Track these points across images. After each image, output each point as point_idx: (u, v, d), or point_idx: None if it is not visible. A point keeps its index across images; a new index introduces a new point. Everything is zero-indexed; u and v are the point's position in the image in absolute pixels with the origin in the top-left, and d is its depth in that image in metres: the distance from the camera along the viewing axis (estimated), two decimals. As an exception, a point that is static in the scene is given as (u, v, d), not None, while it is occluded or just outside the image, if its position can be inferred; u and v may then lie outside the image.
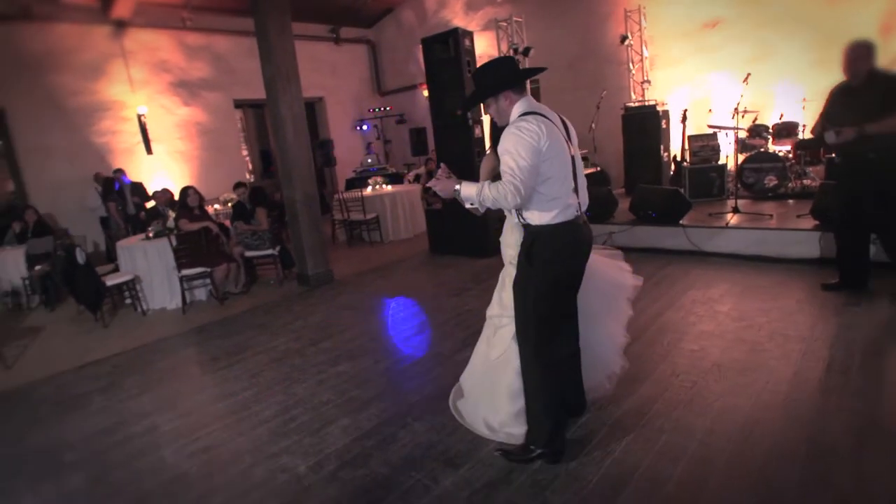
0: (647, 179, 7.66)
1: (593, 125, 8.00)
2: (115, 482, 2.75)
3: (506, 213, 2.62)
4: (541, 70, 2.69)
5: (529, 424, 2.51)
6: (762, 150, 7.05)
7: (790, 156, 7.11)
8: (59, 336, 5.39)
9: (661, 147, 7.94)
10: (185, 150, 9.43)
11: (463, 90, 6.47)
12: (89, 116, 8.29)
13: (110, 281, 5.60)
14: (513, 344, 2.53)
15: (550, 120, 2.27)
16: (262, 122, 11.18)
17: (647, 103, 8.28)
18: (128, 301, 5.97)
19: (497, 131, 2.43)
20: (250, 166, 11.30)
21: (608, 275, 2.76)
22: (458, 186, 2.30)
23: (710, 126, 7.29)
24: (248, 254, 6.32)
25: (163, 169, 9.08)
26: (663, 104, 8.42)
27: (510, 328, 2.54)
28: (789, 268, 4.91)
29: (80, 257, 5.28)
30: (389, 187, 9.04)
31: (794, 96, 7.70)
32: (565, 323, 2.49)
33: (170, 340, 4.94)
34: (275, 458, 2.78)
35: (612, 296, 2.76)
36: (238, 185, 6.73)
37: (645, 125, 7.91)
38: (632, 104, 8.23)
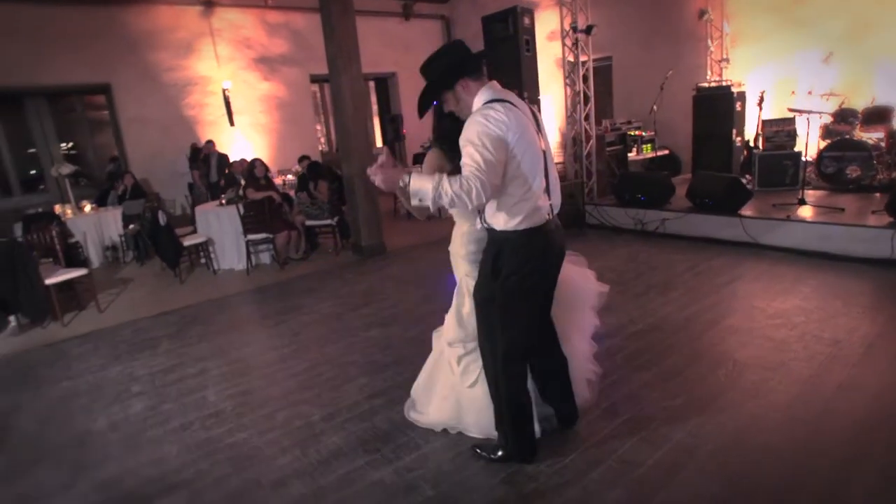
0: (715, 165, 7.28)
1: (655, 107, 7.68)
2: (166, 412, 3.22)
3: (456, 218, 2.41)
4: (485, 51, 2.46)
5: (499, 431, 2.41)
6: (846, 136, 6.48)
7: (882, 144, 6.48)
8: (144, 287, 6.14)
9: (734, 131, 7.48)
10: (264, 122, 10.10)
11: (520, 69, 6.47)
12: (181, 90, 9.11)
13: (187, 241, 6.27)
14: (482, 372, 2.42)
15: (519, 109, 2.03)
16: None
17: (722, 83, 7.80)
18: (202, 261, 6.64)
19: (443, 121, 2.25)
20: (323, 139, 11.87)
21: (572, 283, 2.55)
22: (406, 178, 1.92)
23: (791, 109, 6.79)
24: (309, 223, 6.78)
25: (244, 140, 9.81)
26: (740, 85, 7.88)
27: (476, 356, 2.43)
28: (852, 267, 4.59)
29: (162, 219, 5.95)
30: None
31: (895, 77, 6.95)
32: (535, 339, 2.33)
33: (232, 297, 5.49)
34: (296, 406, 3.13)
35: (576, 306, 2.58)
36: (302, 158, 7.18)
37: (717, 107, 7.46)
38: (705, 84, 7.78)
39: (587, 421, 2.67)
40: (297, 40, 10.21)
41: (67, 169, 7.69)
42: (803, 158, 6.62)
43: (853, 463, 2.23)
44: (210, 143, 8.78)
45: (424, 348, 3.78)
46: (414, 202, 1.93)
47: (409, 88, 12.40)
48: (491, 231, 2.14)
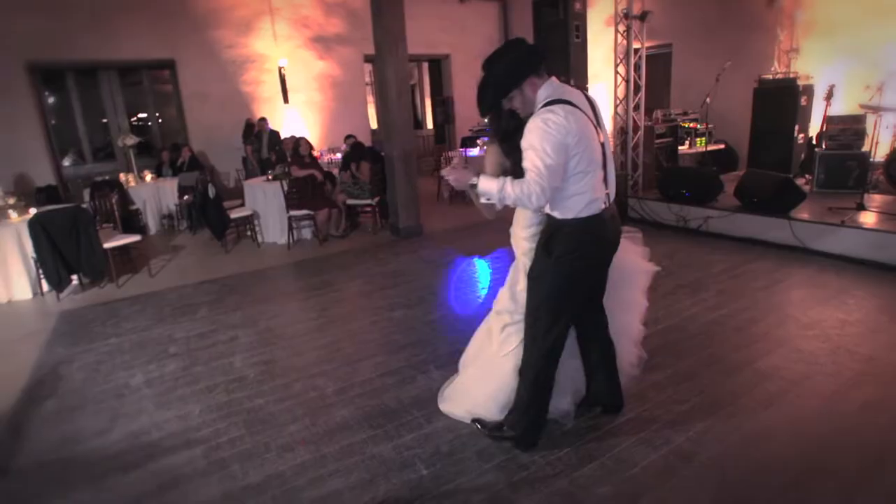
0: (774, 162, 6.90)
1: (708, 99, 7.31)
2: (196, 374, 3.46)
3: None
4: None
5: (514, 407, 2.46)
6: (922, 137, 5.98)
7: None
8: (193, 256, 6.52)
9: (797, 127, 7.05)
10: (318, 101, 10.35)
11: (568, 56, 6.33)
12: (239, 67, 9.45)
13: (234, 214, 6.58)
14: (520, 345, 2.45)
15: (578, 107, 2.07)
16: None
17: (788, 75, 7.33)
18: (248, 233, 6.96)
19: (501, 120, 2.24)
20: (374, 118, 12.02)
21: (623, 259, 2.48)
22: (475, 180, 2.11)
23: (862, 106, 6.33)
24: (350, 202, 6.96)
25: (298, 117, 10.10)
26: (809, 77, 7.38)
27: (520, 327, 2.44)
28: (906, 280, 4.29)
29: (211, 192, 6.27)
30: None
31: None
32: (578, 321, 2.43)
33: (271, 270, 5.75)
34: (313, 378, 3.28)
35: (623, 284, 2.54)
36: (348, 137, 7.35)
37: (780, 101, 7.04)
38: (768, 76, 7.34)
39: (588, 416, 2.67)
40: (353, 20, 10.34)
41: (132, 140, 8.20)
42: (871, 160, 6.18)
43: (862, 487, 2.14)
44: (263, 120, 9.10)
45: (444, 330, 3.90)
46: (482, 201, 2.15)
47: (463, 71, 12.34)
48: (550, 218, 2.22)
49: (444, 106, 12.32)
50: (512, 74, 2.10)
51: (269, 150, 8.83)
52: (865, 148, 6.30)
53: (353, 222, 7.27)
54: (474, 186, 2.11)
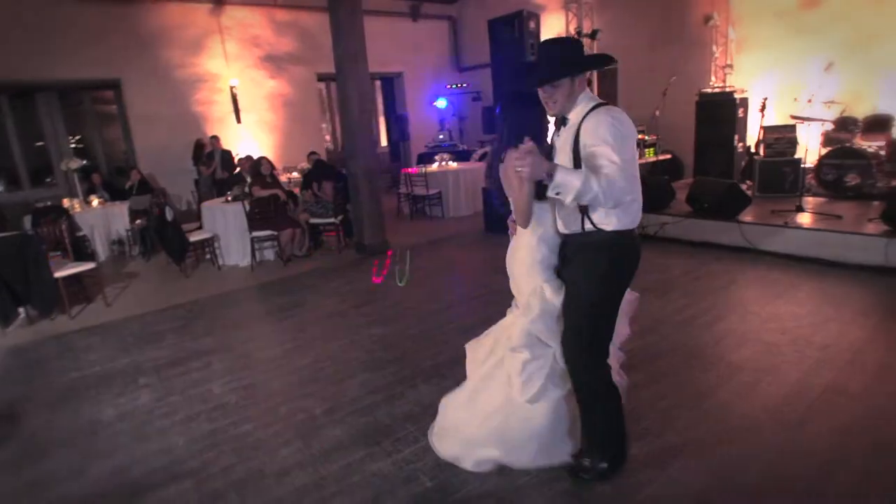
0: (717, 170, 7.36)
1: (657, 112, 7.74)
2: (173, 404, 3.31)
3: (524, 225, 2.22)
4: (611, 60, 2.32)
5: (597, 441, 2.28)
6: (847, 145, 6.54)
7: (882, 153, 6.54)
8: (150, 282, 6.25)
9: (736, 137, 7.55)
10: (270, 120, 10.20)
11: (523, 72, 6.54)
12: (189, 87, 9.21)
13: (194, 237, 6.38)
14: (546, 383, 2.27)
15: None
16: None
17: (725, 89, 7.87)
18: (207, 256, 6.74)
19: (511, 114, 2.20)
20: (328, 137, 11.96)
21: None
22: (553, 169, 1.85)
23: (793, 117, 6.86)
24: (313, 221, 6.88)
25: (250, 137, 9.91)
26: (743, 91, 7.94)
27: (542, 363, 2.26)
28: (847, 274, 4.66)
29: (169, 215, 6.06)
30: (455, 164, 9.29)
31: (896, 86, 7.00)
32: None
33: (237, 293, 5.59)
34: (299, 400, 3.22)
35: None
36: (311, 154, 7.29)
37: (719, 113, 7.54)
38: (708, 90, 7.85)
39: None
40: (305, 39, 10.31)
41: (76, 164, 7.82)
42: (803, 165, 6.69)
43: (836, 464, 2.31)
44: (215, 138, 8.88)
45: (426, 346, 3.91)
46: (551, 193, 1.89)
47: (416, 88, 12.50)
48: (598, 233, 2.04)
49: (399, 123, 12.40)
50: (578, 61, 2.09)
51: (222, 170, 8.62)
52: (798, 155, 6.83)
53: (317, 241, 7.18)
54: (550, 177, 1.84)
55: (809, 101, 5.87)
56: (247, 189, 6.51)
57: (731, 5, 8.29)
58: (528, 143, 1.85)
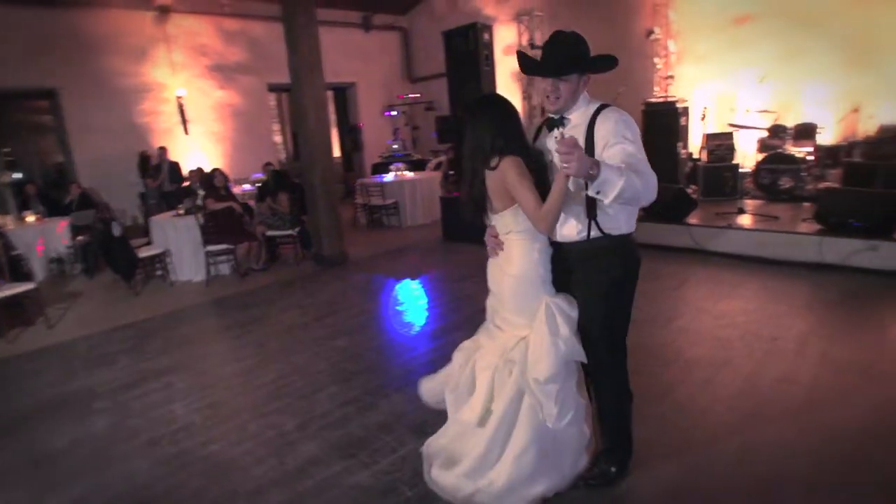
0: (663, 177, 7.66)
1: (609, 121, 8.04)
2: (133, 428, 3.16)
3: (517, 239, 2.09)
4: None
5: (613, 444, 2.29)
6: (780, 151, 7.00)
7: (810, 157, 7.04)
8: (96, 301, 5.94)
9: (679, 144, 7.94)
10: (220, 131, 9.93)
11: (479, 83, 6.68)
12: (133, 97, 8.85)
13: (143, 253, 6.11)
14: (579, 404, 2.13)
15: None
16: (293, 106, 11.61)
17: (668, 99, 8.27)
18: (158, 272, 6.47)
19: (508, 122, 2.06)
20: (283, 148, 11.76)
21: None
22: (597, 166, 1.72)
23: (731, 125, 7.29)
24: (270, 233, 6.73)
25: (198, 149, 9.60)
26: (685, 101, 8.38)
27: (569, 386, 2.08)
28: (786, 270, 4.98)
29: (116, 230, 5.79)
30: (411, 174, 9.32)
31: (821, 97, 7.58)
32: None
33: (192, 310, 5.39)
34: (267, 416, 3.14)
35: None
36: (266, 165, 7.15)
37: (664, 122, 7.90)
38: (653, 100, 8.22)
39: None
40: (255, 49, 10.12)
41: (7, 177, 7.35)
42: (741, 170, 7.13)
43: (790, 450, 2.47)
44: (163, 149, 8.56)
45: (393, 354, 3.90)
46: (591, 192, 1.80)
47: (369, 99, 12.48)
48: (605, 239, 2.01)
49: (352, 134, 12.32)
50: (588, 58, 2.01)
51: (171, 183, 8.32)
52: (736, 160, 7.26)
53: (273, 254, 7.02)
54: (593, 176, 1.72)
55: (747, 110, 6.26)
56: (199, 202, 6.30)
57: (670, 20, 8.74)
58: (570, 137, 1.73)
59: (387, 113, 12.92)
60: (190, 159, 9.23)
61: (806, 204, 6.44)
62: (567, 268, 2.11)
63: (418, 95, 12.79)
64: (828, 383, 3.00)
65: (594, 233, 2.01)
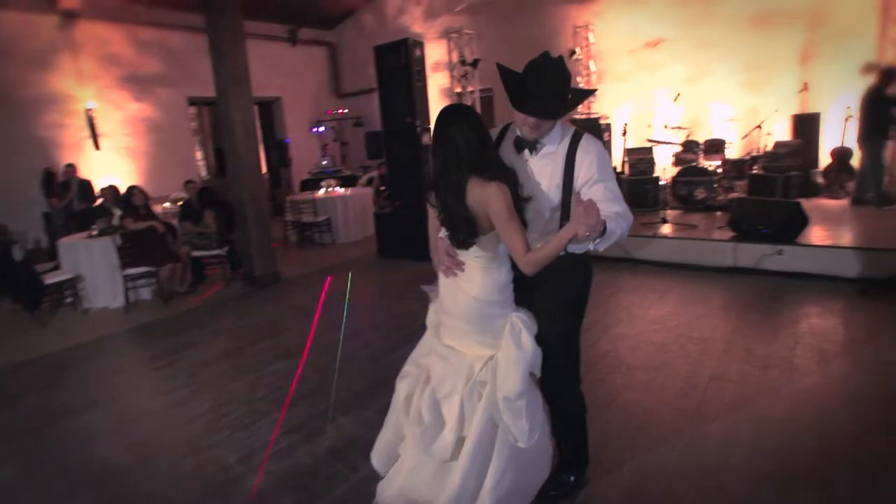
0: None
1: (538, 136, 8.34)
2: (45, 475, 2.83)
3: (478, 264, 1.98)
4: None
5: (573, 454, 2.33)
6: (694, 164, 7.54)
7: (720, 170, 7.64)
8: (-6, 334, 5.32)
9: (604, 158, 8.34)
10: (135, 146, 9.29)
11: (412, 98, 6.70)
12: (33, 109, 8.07)
13: (50, 279, 5.56)
14: (541, 410, 2.08)
15: None
16: (215, 119, 11.11)
17: (591, 116, 8.70)
18: (68, 300, 5.90)
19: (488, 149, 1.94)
20: (205, 164, 11.20)
21: None
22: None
23: (649, 140, 7.75)
24: (195, 254, 6.35)
25: (112, 165, 8.92)
26: (607, 118, 8.86)
27: (533, 395, 2.03)
28: (706, 275, 5.33)
29: (18, 254, 5.23)
30: (342, 190, 9.16)
31: (725, 115, 8.27)
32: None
33: (110, 339, 4.95)
34: (206, 451, 2.92)
35: None
36: (188, 182, 6.76)
37: (589, 137, 8.29)
38: (577, 117, 8.62)
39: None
40: (173, 60, 9.60)
41: None
42: (661, 183, 7.59)
43: (730, 444, 2.61)
44: (70, 167, 7.88)
45: (338, 377, 3.76)
46: (592, 246, 1.79)
47: (296, 114, 12.20)
48: (568, 256, 1.94)
49: (279, 149, 11.96)
50: (576, 94, 2.03)
51: (80, 202, 7.66)
52: (656, 173, 7.73)
53: (199, 276, 6.62)
54: (604, 231, 1.71)
55: (666, 126, 6.71)
56: (116, 222, 5.84)
57: (590, 42, 9.24)
58: (591, 201, 1.67)
59: (314, 129, 12.68)
60: (102, 176, 8.55)
61: (718, 213, 6.95)
62: (529, 284, 2.05)
63: (347, 111, 12.66)
64: (755, 379, 3.22)
65: (569, 251, 1.96)
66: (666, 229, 6.25)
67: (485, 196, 1.84)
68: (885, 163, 6.93)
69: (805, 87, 7.17)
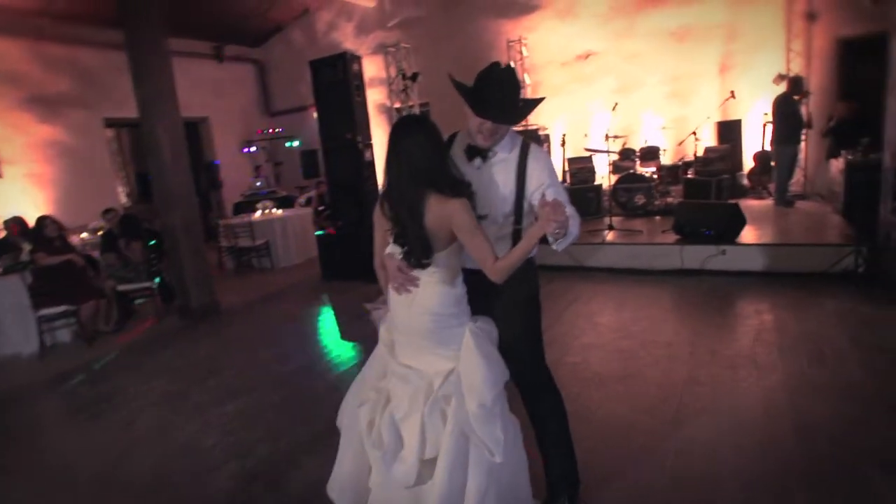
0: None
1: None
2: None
3: (435, 277, 1.90)
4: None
5: (564, 467, 2.26)
6: (631, 171, 7.77)
7: (655, 176, 7.93)
8: None
9: (545, 169, 8.45)
10: (44, 173, 8.44)
11: (352, 113, 6.49)
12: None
13: (-55, 327, 4.84)
14: (511, 416, 2.01)
15: None
16: (140, 142, 10.36)
17: (530, 127, 8.81)
18: (-32, 349, 5.17)
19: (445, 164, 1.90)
20: (125, 190, 10.39)
21: None
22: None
23: (587, 150, 7.92)
24: (122, 287, 5.77)
25: (18, 195, 8.04)
26: (545, 128, 9.01)
27: (503, 406, 1.95)
28: (656, 279, 5.44)
29: None
30: (280, 211, 8.74)
31: (656, 124, 8.62)
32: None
33: (22, 392, 4.34)
34: (151, 514, 2.55)
35: None
36: (107, 211, 6.18)
37: (529, 149, 8.38)
38: (516, 128, 8.67)
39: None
40: (87, 79, 8.85)
41: None
42: (603, 190, 7.76)
43: (715, 447, 2.58)
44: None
45: (296, 412, 3.46)
46: (555, 246, 1.83)
47: (225, 134, 11.62)
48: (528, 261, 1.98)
49: (208, 171, 11.31)
50: (531, 99, 2.10)
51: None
52: (597, 181, 7.90)
53: (127, 312, 6.02)
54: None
55: (607, 136, 6.87)
56: (26, 257, 5.20)
57: (524, 56, 9.40)
58: (557, 200, 1.70)
59: (245, 149, 12.13)
60: (7, 207, 7.66)
61: (657, 217, 7.19)
62: (482, 291, 2.01)
63: (279, 130, 12.20)
64: (725, 380, 3.24)
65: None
66: (614, 236, 6.36)
67: (447, 212, 1.79)
68: (796, 166, 7.47)
69: (732, 95, 7.59)
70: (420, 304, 1.90)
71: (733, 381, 3.21)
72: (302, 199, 10.25)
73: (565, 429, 2.26)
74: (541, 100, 2.08)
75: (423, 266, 1.87)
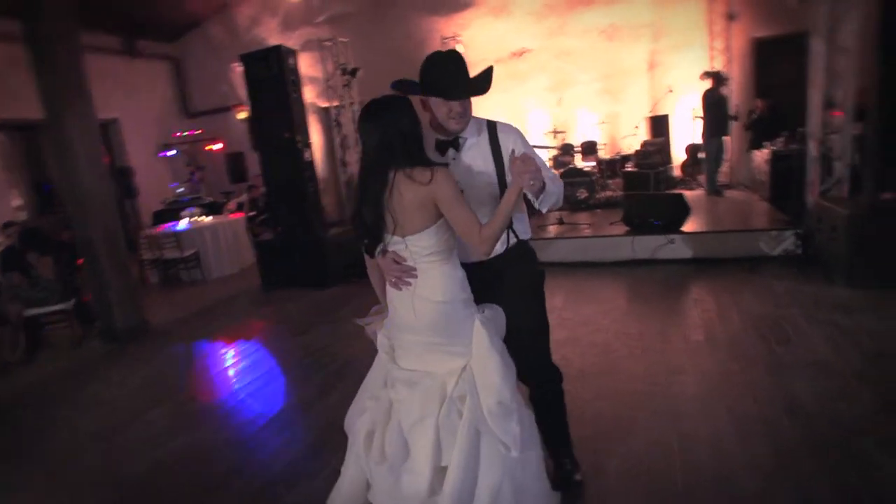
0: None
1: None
2: None
3: (434, 264, 1.81)
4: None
5: (568, 447, 2.36)
6: (571, 166, 7.88)
7: (595, 171, 8.09)
8: None
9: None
10: (-81, 185, 7.31)
11: (289, 111, 6.08)
12: None
13: None
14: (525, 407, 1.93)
15: None
16: (33, 147, 9.23)
17: (469, 126, 8.74)
18: None
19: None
20: (19, 202, 9.21)
21: None
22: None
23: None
24: (30, 312, 5.04)
25: None
26: (485, 127, 8.95)
27: (520, 407, 1.85)
28: (610, 270, 5.50)
29: None
30: (208, 218, 8.09)
31: (592, 119, 8.81)
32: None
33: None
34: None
35: None
36: (7, 225, 5.39)
37: (470, 146, 8.30)
38: (457, 126, 8.59)
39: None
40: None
41: None
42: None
43: (718, 438, 2.54)
44: None
45: (262, 441, 3.10)
46: (537, 205, 1.90)
47: (139, 137, 10.65)
48: (519, 245, 2.07)
49: (123, 177, 10.30)
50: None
51: None
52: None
53: (37, 339, 5.27)
54: (544, 186, 1.81)
55: (553, 132, 6.90)
56: None
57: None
58: (525, 154, 1.75)
59: (163, 153, 11.19)
60: None
61: (599, 210, 7.33)
62: (487, 279, 1.98)
63: (200, 131, 11.37)
64: (708, 367, 3.25)
65: (512, 240, 2.04)
66: (564, 230, 6.38)
67: (431, 186, 1.70)
68: (723, 156, 7.90)
69: (670, 90, 7.88)
70: (424, 296, 1.80)
71: (715, 368, 3.22)
72: (233, 205, 9.59)
73: (561, 395, 2.35)
74: (491, 68, 2.04)
75: (372, 254, 1.86)
